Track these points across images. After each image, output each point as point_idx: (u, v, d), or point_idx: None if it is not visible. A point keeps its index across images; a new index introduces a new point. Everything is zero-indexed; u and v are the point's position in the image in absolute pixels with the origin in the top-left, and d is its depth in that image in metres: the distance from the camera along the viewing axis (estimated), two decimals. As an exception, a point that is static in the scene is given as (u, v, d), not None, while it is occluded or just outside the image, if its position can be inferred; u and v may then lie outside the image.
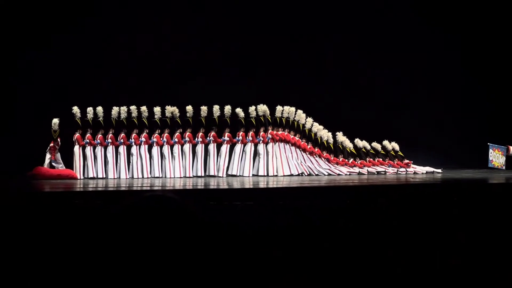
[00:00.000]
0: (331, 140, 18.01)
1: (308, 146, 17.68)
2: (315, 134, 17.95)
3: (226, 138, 17.02)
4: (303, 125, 17.89)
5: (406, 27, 20.39)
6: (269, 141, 17.20)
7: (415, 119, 20.38)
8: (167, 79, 18.71)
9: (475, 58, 20.50)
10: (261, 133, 17.20)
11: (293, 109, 17.80)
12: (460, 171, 18.21)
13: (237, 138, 17.13)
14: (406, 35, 20.44)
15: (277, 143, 17.25)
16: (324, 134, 17.95)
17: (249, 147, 17.10)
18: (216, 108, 17.13)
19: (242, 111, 17.31)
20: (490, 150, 18.01)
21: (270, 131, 17.25)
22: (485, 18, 20.41)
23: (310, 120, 17.99)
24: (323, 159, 17.74)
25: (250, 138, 17.14)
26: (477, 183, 13.37)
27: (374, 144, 18.30)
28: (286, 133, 17.49)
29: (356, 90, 20.15)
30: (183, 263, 1.11)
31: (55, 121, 16.10)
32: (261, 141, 17.14)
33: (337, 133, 18.13)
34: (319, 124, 18.13)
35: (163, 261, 1.10)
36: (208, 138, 16.92)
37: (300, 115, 17.87)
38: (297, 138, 17.63)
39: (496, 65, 20.53)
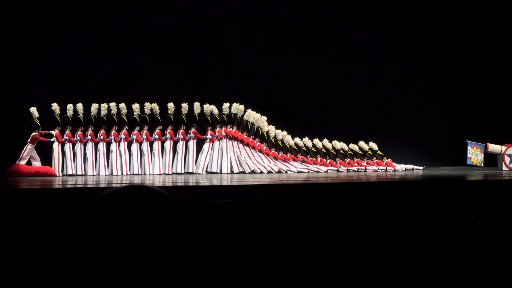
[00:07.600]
0: (301, 143, 17.90)
1: (280, 155, 17.59)
2: (282, 140, 17.79)
3: (209, 136, 16.96)
4: (267, 133, 17.74)
5: (387, 24, 20.49)
6: (217, 138, 16.96)
7: (396, 116, 20.52)
8: (147, 75, 18.62)
9: (457, 55, 20.66)
10: (209, 131, 17.00)
11: (258, 115, 17.62)
12: (438, 168, 18.33)
13: (215, 135, 17.06)
14: (386, 33, 20.53)
15: (235, 143, 17.07)
16: (290, 138, 17.83)
17: (229, 144, 17.02)
18: (196, 105, 17.08)
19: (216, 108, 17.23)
20: (469, 147, 18.11)
21: (218, 129, 16.99)
22: (473, 20, 20.54)
23: (272, 127, 17.77)
24: (298, 161, 17.67)
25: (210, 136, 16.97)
26: (456, 180, 13.45)
27: (352, 145, 18.28)
28: (251, 139, 17.36)
29: (339, 89, 20.23)
30: (159, 257, 1.09)
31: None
32: (208, 139, 16.95)
33: (304, 138, 17.96)
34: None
35: (140, 255, 1.09)
36: (188, 135, 16.86)
37: (264, 122, 17.69)
38: (264, 147, 17.51)
39: (478, 63, 20.67)
